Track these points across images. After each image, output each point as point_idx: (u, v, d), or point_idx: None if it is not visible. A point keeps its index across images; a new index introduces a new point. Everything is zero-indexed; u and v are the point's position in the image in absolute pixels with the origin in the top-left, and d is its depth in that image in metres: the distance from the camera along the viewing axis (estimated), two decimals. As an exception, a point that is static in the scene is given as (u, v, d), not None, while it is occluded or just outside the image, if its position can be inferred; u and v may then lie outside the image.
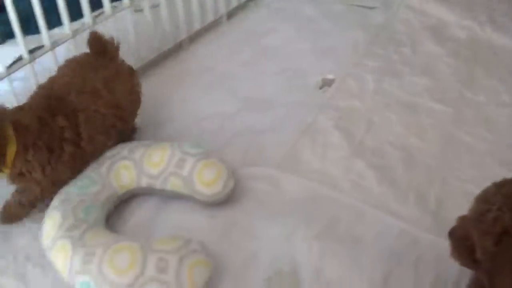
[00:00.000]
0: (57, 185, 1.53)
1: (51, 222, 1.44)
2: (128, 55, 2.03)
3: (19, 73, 1.88)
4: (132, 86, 1.71)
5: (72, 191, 1.52)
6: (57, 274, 1.41)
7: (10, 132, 1.40)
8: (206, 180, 1.51)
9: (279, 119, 1.87)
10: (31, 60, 1.85)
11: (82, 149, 1.53)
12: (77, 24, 2.01)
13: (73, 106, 1.52)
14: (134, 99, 1.73)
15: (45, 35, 1.87)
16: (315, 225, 1.47)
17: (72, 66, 1.64)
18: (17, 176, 1.47)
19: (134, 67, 2.01)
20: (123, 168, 1.58)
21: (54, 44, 1.90)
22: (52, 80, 1.61)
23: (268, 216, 1.52)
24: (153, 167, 1.57)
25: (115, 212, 1.58)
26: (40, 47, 1.91)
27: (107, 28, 1.99)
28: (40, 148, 1.44)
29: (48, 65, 1.87)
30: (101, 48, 1.66)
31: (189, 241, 1.34)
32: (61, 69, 1.66)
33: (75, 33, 1.94)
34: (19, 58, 1.88)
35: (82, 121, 1.52)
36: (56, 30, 2.01)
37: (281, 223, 1.49)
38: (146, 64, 2.21)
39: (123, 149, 1.62)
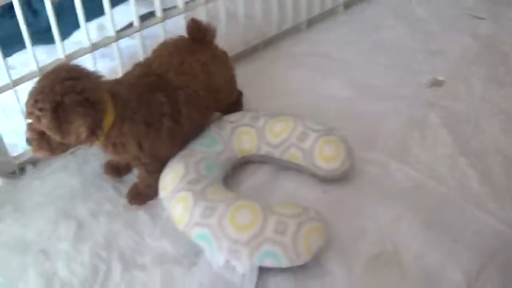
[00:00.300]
0: (158, 161, 1.61)
1: (173, 174, 1.55)
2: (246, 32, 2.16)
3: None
4: (227, 70, 1.79)
5: (195, 147, 1.63)
6: (166, 223, 1.56)
7: (109, 101, 1.45)
8: (326, 155, 1.60)
9: (390, 110, 1.94)
10: (141, 28, 1.93)
11: (180, 126, 1.58)
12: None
13: (172, 84, 1.57)
14: (229, 82, 1.80)
15: (158, 6, 1.95)
16: (419, 213, 1.55)
17: (169, 48, 1.69)
18: (110, 146, 1.52)
19: (255, 42, 2.15)
20: (245, 133, 1.68)
21: (166, 16, 1.98)
22: (149, 60, 1.66)
23: (377, 199, 1.60)
24: (274, 136, 1.66)
25: (231, 174, 1.69)
26: (151, 13, 2.01)
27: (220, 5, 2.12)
28: (137, 122, 1.49)
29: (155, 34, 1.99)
30: (200, 35, 1.71)
31: (308, 209, 1.42)
32: (157, 50, 1.72)
33: (187, 8, 2.02)
34: (130, 25, 1.96)
35: (182, 99, 1.57)
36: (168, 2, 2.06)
37: (388, 207, 1.57)
38: (267, 40, 2.34)
39: (244, 117, 1.72)
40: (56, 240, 1.57)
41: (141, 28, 1.92)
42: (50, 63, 1.76)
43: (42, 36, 1.89)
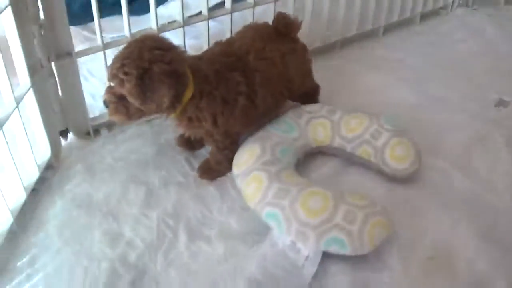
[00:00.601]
0: (229, 138, 1.65)
1: (249, 153, 1.60)
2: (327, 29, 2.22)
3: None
4: (304, 63, 1.82)
5: (272, 131, 1.68)
6: (234, 201, 1.62)
7: (189, 75, 1.49)
8: (397, 155, 1.64)
9: (456, 122, 1.97)
10: (233, 10, 1.99)
11: (255, 106, 1.62)
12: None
13: (250, 66, 1.60)
14: (304, 74, 1.84)
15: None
16: (475, 223, 1.57)
17: (252, 32, 1.72)
18: (185, 120, 1.57)
19: (334, 39, 2.20)
20: (321, 125, 1.73)
21: (257, 3, 2.04)
22: (231, 40, 1.70)
23: (437, 203, 1.63)
24: (349, 131, 1.71)
25: (303, 162, 1.74)
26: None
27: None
28: (214, 98, 1.53)
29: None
30: (285, 29, 1.75)
31: (376, 203, 1.46)
32: (240, 32, 1.75)
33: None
34: (222, 2, 2.03)
35: (258, 81, 1.60)
36: None
37: (447, 213, 1.60)
38: (345, 40, 2.41)
39: (322, 108, 1.76)
40: (124, 204, 1.62)
41: (232, 11, 1.97)
42: (140, 31, 1.81)
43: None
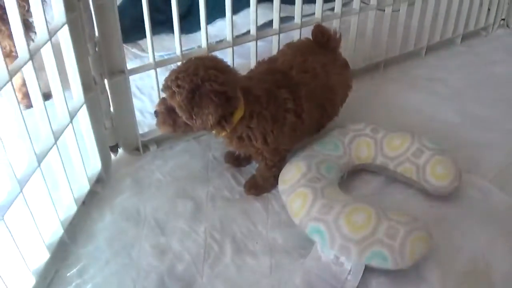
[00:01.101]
0: (278, 155, 1.69)
1: (295, 170, 1.65)
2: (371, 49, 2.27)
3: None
4: (345, 77, 1.86)
5: (318, 149, 1.73)
6: (279, 216, 1.68)
7: (240, 96, 1.52)
8: (438, 173, 1.67)
9: (496, 140, 2.00)
10: (281, 31, 2.03)
11: (302, 120, 1.64)
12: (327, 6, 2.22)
13: (295, 80, 1.64)
14: (344, 87, 1.87)
15: (298, 13, 2.07)
16: (512, 239, 1.60)
17: (293, 48, 1.78)
18: (235, 139, 1.61)
19: (377, 59, 2.26)
20: (364, 143, 1.78)
21: (303, 25, 2.08)
22: (273, 58, 1.76)
23: (475, 219, 1.66)
24: (392, 149, 1.75)
25: (346, 179, 1.78)
26: (288, 18, 2.12)
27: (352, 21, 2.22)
28: (265, 118, 1.57)
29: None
30: (324, 40, 1.79)
31: (416, 219, 1.50)
32: (282, 50, 1.82)
33: (323, 19, 2.12)
34: (267, 23, 2.12)
35: (303, 95, 1.63)
36: (308, 7, 2.18)
37: (485, 228, 1.63)
38: (388, 60, 2.45)
39: (366, 127, 1.81)
40: (172, 217, 1.68)
41: (279, 31, 2.01)
42: (191, 50, 1.88)
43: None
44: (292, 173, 1.64)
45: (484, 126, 2.09)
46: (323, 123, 1.82)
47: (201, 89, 1.45)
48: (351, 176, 1.79)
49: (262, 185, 1.75)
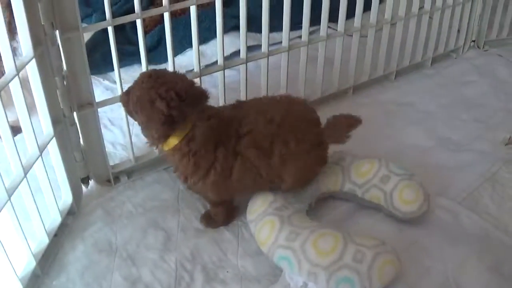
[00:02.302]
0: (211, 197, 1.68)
1: (262, 200, 1.66)
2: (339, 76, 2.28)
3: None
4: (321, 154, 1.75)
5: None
6: (249, 244, 1.68)
7: (191, 122, 1.52)
8: (405, 199, 1.69)
9: (466, 162, 2.02)
10: (248, 60, 2.03)
11: (227, 179, 1.60)
12: (293, 34, 2.19)
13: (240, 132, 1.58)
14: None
15: (264, 43, 2.06)
16: (484, 260, 1.62)
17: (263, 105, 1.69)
18: (177, 155, 1.58)
19: (346, 85, 2.29)
20: (331, 171, 1.79)
21: (270, 53, 2.07)
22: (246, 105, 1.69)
23: (445, 242, 1.68)
24: (359, 176, 1.76)
25: (314, 207, 1.78)
26: (256, 46, 2.13)
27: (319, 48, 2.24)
28: (189, 161, 1.57)
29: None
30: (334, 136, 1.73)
31: (385, 243, 1.52)
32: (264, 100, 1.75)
33: (290, 47, 2.12)
34: (236, 52, 2.12)
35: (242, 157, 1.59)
36: (274, 35, 2.20)
37: (455, 250, 1.65)
38: (357, 86, 2.46)
39: (332, 156, 1.81)
40: (143, 248, 1.69)
41: (246, 61, 2.02)
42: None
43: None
44: (259, 203, 1.65)
45: (454, 148, 2.12)
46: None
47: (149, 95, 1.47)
48: (319, 203, 1.80)
49: (213, 219, 1.74)
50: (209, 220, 1.73)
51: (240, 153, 1.55)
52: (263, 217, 1.61)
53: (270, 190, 1.68)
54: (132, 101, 1.49)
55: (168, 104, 1.43)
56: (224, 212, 1.71)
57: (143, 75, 1.50)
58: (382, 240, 1.53)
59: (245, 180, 1.59)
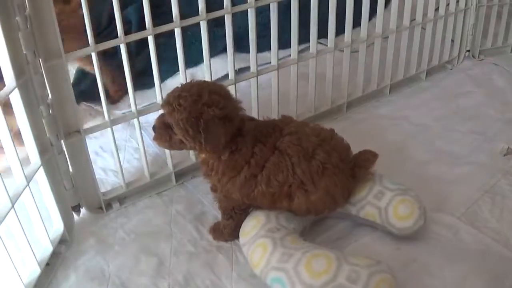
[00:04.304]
0: (226, 204, 1.68)
1: (254, 222, 1.64)
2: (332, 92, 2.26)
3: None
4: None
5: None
6: (243, 268, 1.65)
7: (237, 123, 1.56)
8: (400, 214, 1.66)
9: (464, 175, 1.99)
10: (236, 81, 2.01)
11: (258, 179, 1.62)
12: (284, 53, 2.18)
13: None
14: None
15: (253, 62, 2.04)
16: (484, 275, 1.59)
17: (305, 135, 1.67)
18: (205, 165, 1.65)
19: (339, 102, 2.25)
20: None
21: (259, 72, 2.06)
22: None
23: (444, 258, 1.65)
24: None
25: (309, 228, 1.76)
26: (247, 68, 2.10)
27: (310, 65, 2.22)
28: (228, 160, 1.59)
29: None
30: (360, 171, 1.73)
31: (380, 262, 1.48)
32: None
33: (280, 65, 2.10)
34: (225, 76, 2.09)
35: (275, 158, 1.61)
36: (265, 54, 2.16)
37: (455, 266, 1.62)
38: (351, 101, 2.44)
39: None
40: (136, 274, 1.66)
41: (236, 81, 2.01)
42: (148, 106, 1.91)
43: (135, 81, 1.96)
44: (252, 225, 1.63)
45: (452, 161, 2.09)
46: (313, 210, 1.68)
47: (205, 115, 1.46)
48: (317, 223, 1.78)
49: (222, 231, 1.74)
50: (218, 232, 1.74)
51: (278, 148, 1.59)
52: (255, 240, 1.59)
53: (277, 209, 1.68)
54: (179, 125, 1.48)
55: (217, 106, 1.47)
56: (233, 226, 1.69)
57: (171, 98, 1.50)
58: (377, 259, 1.50)
59: (272, 181, 1.59)
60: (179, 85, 1.53)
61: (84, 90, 2.37)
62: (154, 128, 1.56)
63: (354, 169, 1.68)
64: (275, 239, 1.56)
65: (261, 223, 1.62)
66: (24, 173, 1.56)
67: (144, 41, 1.74)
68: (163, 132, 1.54)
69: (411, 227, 1.67)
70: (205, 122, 1.45)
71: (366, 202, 1.71)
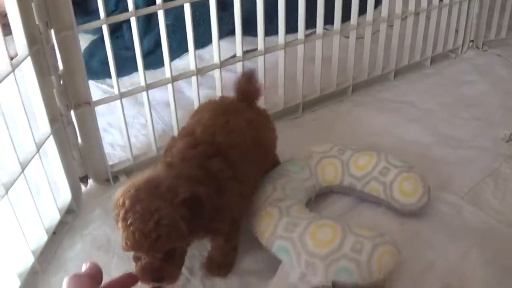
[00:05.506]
0: (234, 225, 1.52)
1: (260, 192, 1.66)
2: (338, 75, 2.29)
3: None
4: (267, 123, 1.74)
5: (283, 172, 1.74)
6: (250, 242, 1.63)
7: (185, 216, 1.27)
8: (405, 190, 1.69)
9: (467, 158, 2.02)
10: (244, 59, 2.04)
11: (243, 184, 1.50)
12: (292, 37, 2.18)
13: (222, 146, 1.48)
14: (272, 138, 1.74)
15: (260, 40, 2.07)
16: (485, 253, 1.61)
17: (208, 112, 1.61)
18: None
19: (345, 85, 2.27)
20: (331, 165, 1.78)
21: (266, 51, 2.08)
22: (190, 130, 1.55)
23: (447, 235, 1.67)
24: (358, 169, 1.76)
25: (314, 201, 1.78)
26: (254, 50, 2.11)
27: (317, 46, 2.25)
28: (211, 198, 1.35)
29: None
30: (249, 90, 1.68)
31: (384, 234, 1.50)
32: (195, 119, 1.62)
33: (287, 44, 2.12)
34: (233, 56, 2.10)
35: (236, 158, 1.48)
36: (273, 38, 2.16)
37: (457, 243, 1.64)
38: (356, 85, 2.47)
39: (332, 148, 1.82)
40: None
41: (243, 59, 2.03)
42: (157, 82, 1.91)
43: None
44: (257, 195, 1.65)
45: (455, 144, 2.11)
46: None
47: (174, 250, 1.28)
48: (319, 197, 1.79)
49: (224, 262, 1.58)
50: (218, 267, 1.59)
51: (229, 147, 1.50)
52: (261, 210, 1.60)
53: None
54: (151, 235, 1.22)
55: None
56: (235, 244, 1.58)
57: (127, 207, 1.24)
58: (381, 231, 1.52)
59: (250, 173, 1.58)
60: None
61: (92, 67, 2.39)
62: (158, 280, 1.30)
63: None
64: (282, 208, 1.57)
65: (267, 193, 1.64)
66: (34, 140, 1.58)
67: (151, 21, 1.75)
68: (170, 266, 1.31)
69: (415, 203, 1.69)
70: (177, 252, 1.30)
71: (371, 177, 1.73)
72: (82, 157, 1.83)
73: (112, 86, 2.22)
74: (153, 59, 2.42)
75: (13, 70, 1.46)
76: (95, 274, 1.24)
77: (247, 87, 1.67)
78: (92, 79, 2.37)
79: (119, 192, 1.27)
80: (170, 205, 1.22)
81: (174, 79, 1.91)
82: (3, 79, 1.43)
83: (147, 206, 1.21)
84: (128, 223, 1.21)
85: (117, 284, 1.27)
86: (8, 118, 1.46)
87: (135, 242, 1.21)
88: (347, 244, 1.45)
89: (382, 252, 1.45)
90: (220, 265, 1.57)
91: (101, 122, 1.96)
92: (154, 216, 1.19)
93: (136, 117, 2.26)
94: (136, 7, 1.70)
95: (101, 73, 2.42)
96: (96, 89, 2.42)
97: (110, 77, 2.15)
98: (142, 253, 1.25)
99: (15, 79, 1.49)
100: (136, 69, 1.94)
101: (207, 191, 1.31)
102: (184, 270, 1.56)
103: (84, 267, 1.25)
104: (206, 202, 1.29)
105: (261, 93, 1.73)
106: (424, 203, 1.70)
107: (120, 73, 2.07)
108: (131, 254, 1.38)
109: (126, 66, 2.42)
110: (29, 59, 1.53)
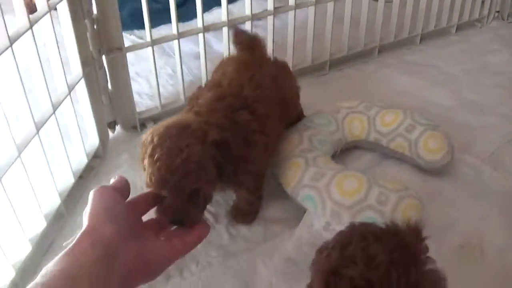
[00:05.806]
0: (259, 180, 1.54)
1: (287, 142, 1.68)
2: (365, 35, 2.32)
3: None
4: (291, 79, 1.76)
5: (310, 125, 1.75)
6: (274, 191, 1.65)
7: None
8: (430, 147, 1.70)
9: (490, 124, 2.04)
10: (275, 13, 2.06)
11: (269, 137, 1.49)
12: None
13: (250, 100, 1.47)
14: (295, 93, 1.78)
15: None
16: (505, 214, 1.62)
17: (232, 65, 1.59)
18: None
19: (372, 45, 2.30)
20: (357, 120, 1.80)
21: (297, 6, 2.10)
22: (215, 82, 1.54)
23: (468, 195, 1.69)
24: (384, 125, 1.77)
25: (339, 155, 1.80)
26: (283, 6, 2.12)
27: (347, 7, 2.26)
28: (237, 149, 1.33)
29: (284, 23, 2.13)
30: (247, 43, 1.68)
31: (408, 187, 1.52)
32: (219, 70, 1.62)
33: (318, 1, 2.15)
34: (264, 10, 2.11)
35: (262, 112, 1.47)
36: None
37: (478, 204, 1.65)
38: (382, 46, 2.50)
39: (359, 104, 1.83)
40: (166, 191, 1.69)
41: (274, 13, 2.06)
42: (189, 30, 1.94)
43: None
44: (284, 145, 1.67)
45: (478, 110, 2.13)
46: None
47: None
48: (344, 152, 1.81)
49: (250, 210, 1.58)
50: (243, 214, 1.59)
51: (257, 101, 1.50)
52: (288, 159, 1.62)
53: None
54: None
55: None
56: (259, 196, 1.58)
57: (156, 147, 1.20)
58: (406, 185, 1.54)
59: (275, 127, 1.59)
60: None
61: (121, 19, 2.40)
62: (177, 222, 1.20)
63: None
64: (308, 159, 1.59)
65: (294, 143, 1.66)
66: (66, 82, 1.60)
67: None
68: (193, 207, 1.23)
69: (439, 160, 1.70)
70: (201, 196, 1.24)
71: (397, 134, 1.75)
72: (111, 103, 1.86)
73: (140, 38, 2.24)
74: (183, 11, 2.43)
75: (49, 11, 1.49)
76: (120, 187, 1.18)
77: (239, 40, 1.69)
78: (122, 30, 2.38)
79: (147, 132, 1.25)
80: (200, 143, 1.19)
81: (205, 29, 1.93)
82: (39, 19, 1.46)
83: (177, 142, 1.17)
84: (155, 158, 1.16)
85: (143, 198, 1.24)
86: (42, 59, 1.48)
87: (160, 177, 1.16)
88: (372, 195, 1.47)
89: (407, 204, 1.47)
90: (245, 212, 1.57)
91: (130, 71, 1.97)
92: (183, 152, 1.15)
93: (164, 67, 2.29)
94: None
95: (130, 24, 2.43)
96: (125, 39, 2.40)
97: (138, 28, 2.17)
98: (167, 191, 1.18)
99: (51, 19, 1.51)
100: (163, 22, 1.97)
101: (235, 140, 1.30)
102: (209, 216, 1.60)
103: (111, 181, 1.20)
104: (234, 150, 1.27)
105: (260, 41, 1.71)
106: (448, 161, 1.71)
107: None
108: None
109: (154, 18, 2.42)
110: (64, 1, 1.55)
